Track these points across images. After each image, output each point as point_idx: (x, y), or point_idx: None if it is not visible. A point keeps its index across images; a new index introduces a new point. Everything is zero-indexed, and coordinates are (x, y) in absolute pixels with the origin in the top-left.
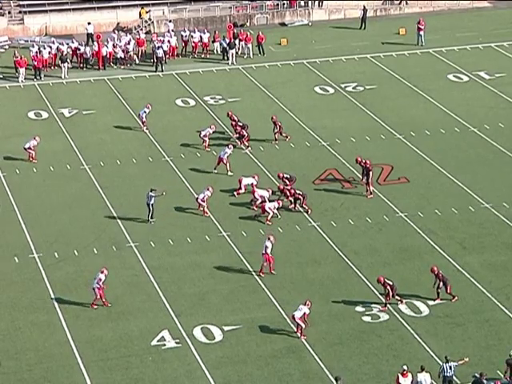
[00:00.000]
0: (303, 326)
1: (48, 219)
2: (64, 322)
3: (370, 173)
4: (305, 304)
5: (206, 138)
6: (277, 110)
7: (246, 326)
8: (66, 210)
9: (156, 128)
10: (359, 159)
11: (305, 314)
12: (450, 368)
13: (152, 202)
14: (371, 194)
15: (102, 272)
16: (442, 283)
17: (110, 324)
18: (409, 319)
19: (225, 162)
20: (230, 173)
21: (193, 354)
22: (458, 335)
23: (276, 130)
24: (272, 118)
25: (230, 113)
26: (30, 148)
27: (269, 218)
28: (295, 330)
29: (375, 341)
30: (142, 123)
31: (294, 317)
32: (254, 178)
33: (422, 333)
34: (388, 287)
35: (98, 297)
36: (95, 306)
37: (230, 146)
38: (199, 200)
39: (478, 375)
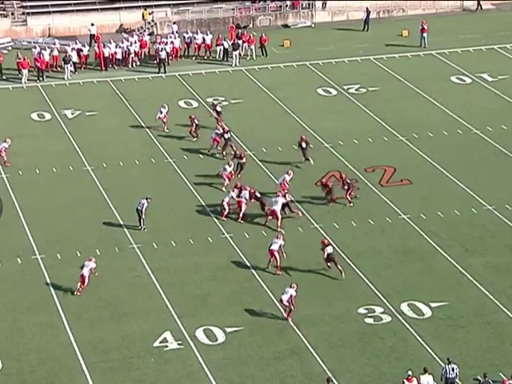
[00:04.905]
0: (292, 307)
1: (51, 220)
2: (66, 323)
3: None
4: (291, 286)
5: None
6: (279, 111)
7: (248, 328)
8: (68, 211)
9: (159, 129)
10: (344, 176)
11: (291, 296)
12: (453, 370)
13: (141, 208)
14: (350, 202)
15: (91, 260)
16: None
17: (112, 325)
18: (411, 321)
19: (224, 177)
20: (223, 188)
21: (195, 356)
22: (461, 337)
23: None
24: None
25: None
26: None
27: (278, 223)
28: (283, 312)
29: (377, 343)
30: (164, 123)
31: (281, 300)
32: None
33: (424, 335)
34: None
35: (86, 283)
36: (79, 294)
37: (230, 164)
38: (224, 203)
39: (480, 378)
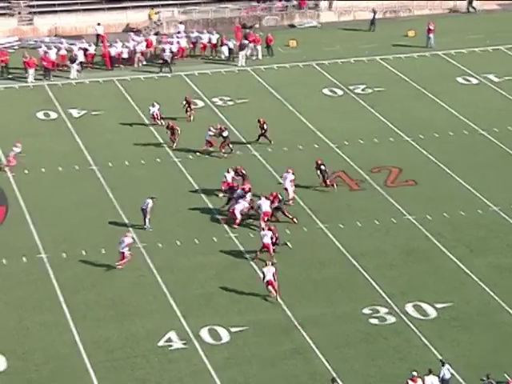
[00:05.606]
0: (275, 284)
1: (56, 219)
2: (71, 323)
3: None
4: (266, 265)
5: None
6: (285, 111)
7: (252, 328)
8: (74, 211)
9: (164, 129)
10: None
11: (273, 273)
12: (448, 370)
13: (146, 207)
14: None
15: (127, 236)
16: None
17: (117, 324)
18: (416, 322)
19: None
20: (220, 194)
21: (199, 355)
22: (465, 338)
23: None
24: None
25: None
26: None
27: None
28: (274, 294)
29: (382, 343)
30: (160, 119)
31: (269, 281)
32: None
33: (428, 335)
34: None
35: (128, 258)
36: (120, 267)
37: (229, 171)
38: (236, 212)
39: (484, 378)
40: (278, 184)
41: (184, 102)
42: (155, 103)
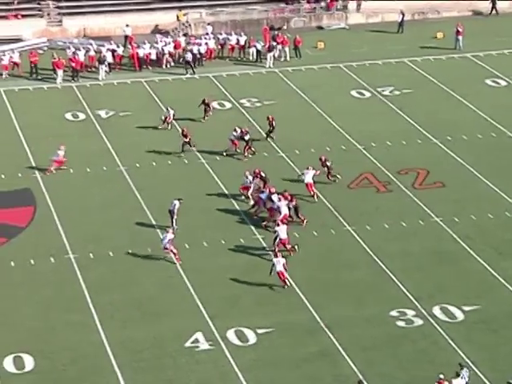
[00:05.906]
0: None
1: (84, 220)
2: (98, 323)
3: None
4: (276, 256)
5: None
6: (313, 113)
7: (279, 329)
8: (101, 211)
9: (191, 130)
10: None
11: (284, 264)
12: (466, 373)
13: (173, 209)
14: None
15: (168, 231)
16: None
17: (144, 325)
18: (443, 325)
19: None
20: (251, 202)
21: (226, 357)
22: (493, 341)
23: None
24: (268, 119)
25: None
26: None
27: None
28: (287, 281)
29: (409, 346)
30: (167, 122)
31: (280, 273)
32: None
33: (455, 338)
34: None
35: (175, 252)
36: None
37: (247, 175)
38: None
39: (511, 381)
40: (301, 183)
41: (201, 104)
42: (169, 108)
